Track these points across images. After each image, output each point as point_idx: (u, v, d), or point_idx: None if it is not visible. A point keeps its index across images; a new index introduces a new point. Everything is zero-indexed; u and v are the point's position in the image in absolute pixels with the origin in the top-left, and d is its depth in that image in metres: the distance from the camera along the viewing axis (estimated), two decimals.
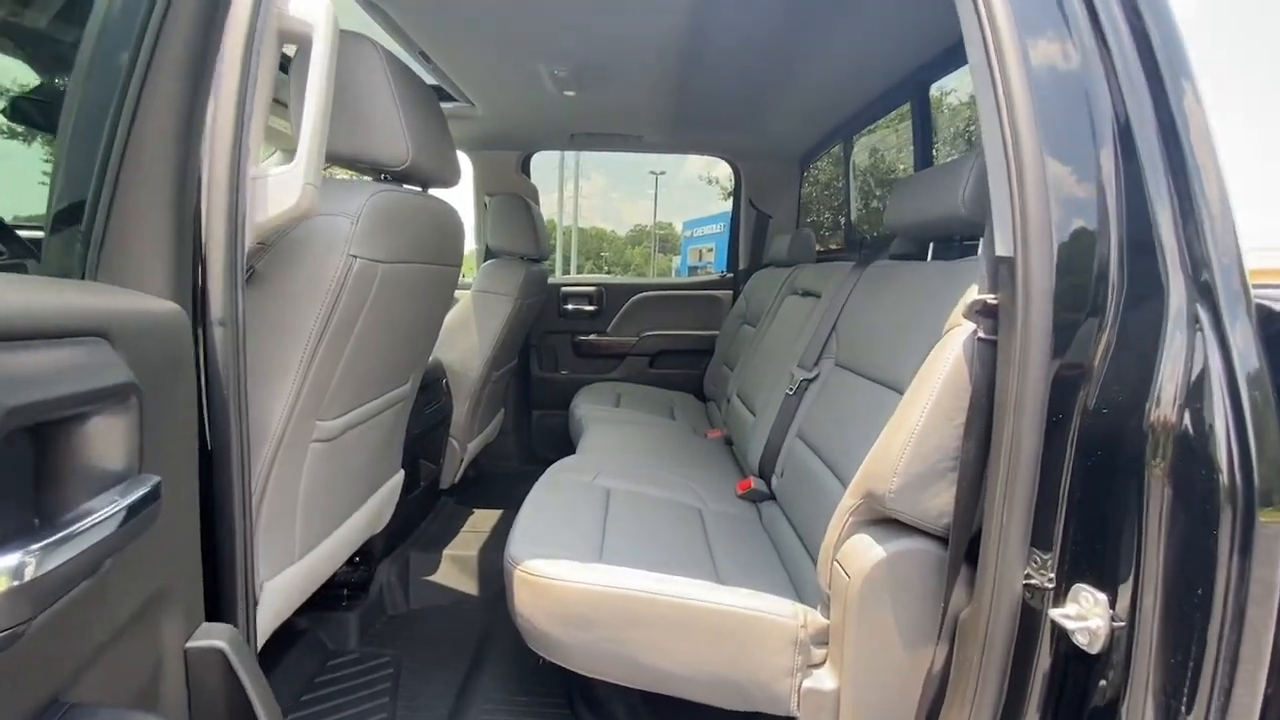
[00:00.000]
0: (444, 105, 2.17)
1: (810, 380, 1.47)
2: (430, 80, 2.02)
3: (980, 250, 0.84)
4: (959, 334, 0.88)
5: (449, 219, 1.30)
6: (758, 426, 1.62)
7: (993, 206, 0.76)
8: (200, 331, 0.72)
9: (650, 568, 1.07)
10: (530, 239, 2.18)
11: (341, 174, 1.24)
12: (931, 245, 1.33)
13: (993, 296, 0.79)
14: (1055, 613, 0.70)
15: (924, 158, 1.68)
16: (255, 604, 0.83)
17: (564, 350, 2.87)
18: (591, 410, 2.20)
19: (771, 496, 1.52)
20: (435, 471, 2.06)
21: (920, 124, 1.67)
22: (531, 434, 2.89)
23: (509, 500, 2.40)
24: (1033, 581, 0.72)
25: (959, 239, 1.31)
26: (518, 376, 2.78)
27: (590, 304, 2.86)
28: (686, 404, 2.60)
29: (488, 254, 2.38)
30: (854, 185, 2.35)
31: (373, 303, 1.03)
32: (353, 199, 0.95)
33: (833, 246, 2.81)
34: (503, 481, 2.62)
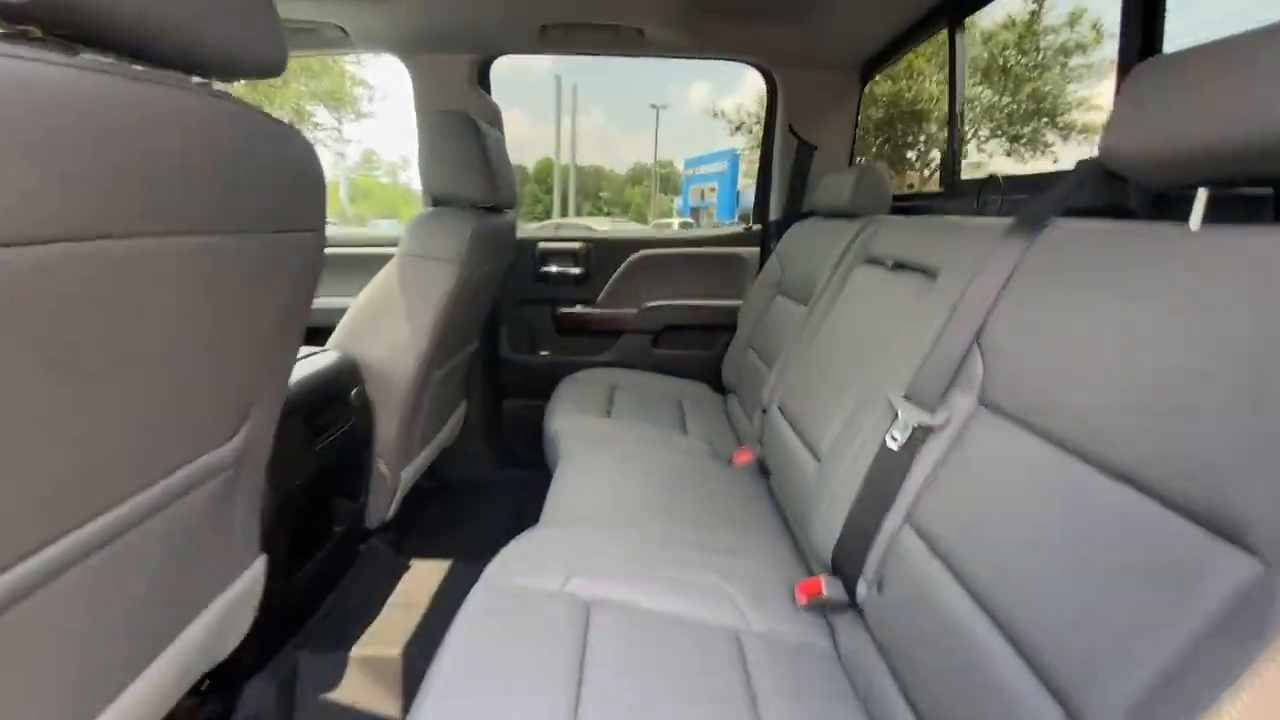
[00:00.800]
0: None
1: (933, 429, 0.86)
2: None
3: None
4: None
5: (257, 133, 0.66)
6: (827, 486, 1.01)
7: None
8: None
9: None
10: (479, 177, 1.51)
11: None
12: (1204, 193, 0.68)
13: None
14: None
15: (1147, 43, 0.98)
16: None
17: (543, 325, 2.24)
18: (572, 423, 1.60)
19: (852, 604, 0.94)
20: (357, 510, 1.48)
21: None
22: (502, 430, 2.30)
23: (468, 537, 1.83)
24: None
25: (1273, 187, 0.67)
26: (483, 360, 2.16)
27: (576, 265, 2.21)
28: (700, 399, 2.00)
29: (434, 202, 1.72)
30: (967, 86, 1.61)
31: (28, 325, 0.41)
32: None
33: (911, 188, 2.10)
34: (464, 498, 2.05)
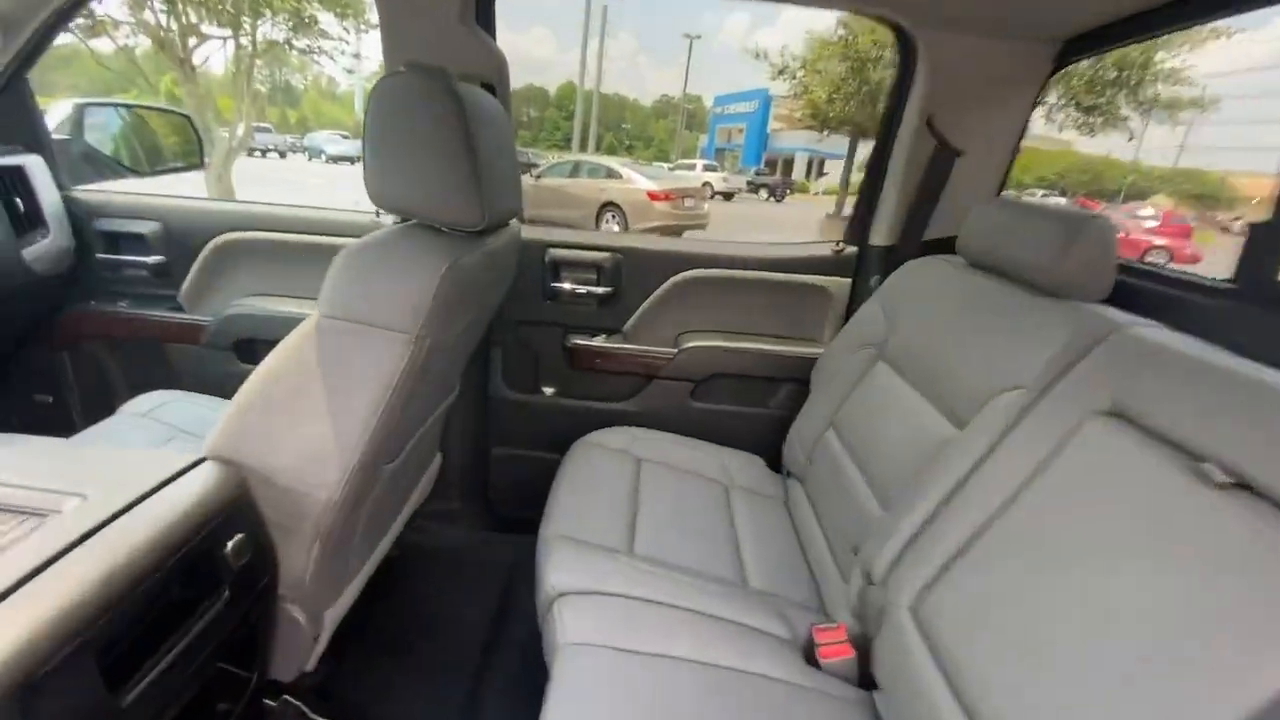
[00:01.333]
0: None
1: None
2: None
3: None
4: None
5: None
6: None
7: None
8: None
9: None
10: (460, 185, 0.92)
11: None
12: None
13: None
14: None
15: None
16: None
17: (550, 354, 1.70)
18: (579, 573, 1.07)
19: None
20: (255, 675, 1.00)
21: None
22: (489, 484, 1.79)
23: (425, 676, 1.35)
24: None
25: None
26: (468, 396, 1.64)
27: (599, 282, 1.64)
28: (755, 491, 1.47)
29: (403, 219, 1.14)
30: None
31: None
32: None
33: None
34: (431, 582, 1.57)
